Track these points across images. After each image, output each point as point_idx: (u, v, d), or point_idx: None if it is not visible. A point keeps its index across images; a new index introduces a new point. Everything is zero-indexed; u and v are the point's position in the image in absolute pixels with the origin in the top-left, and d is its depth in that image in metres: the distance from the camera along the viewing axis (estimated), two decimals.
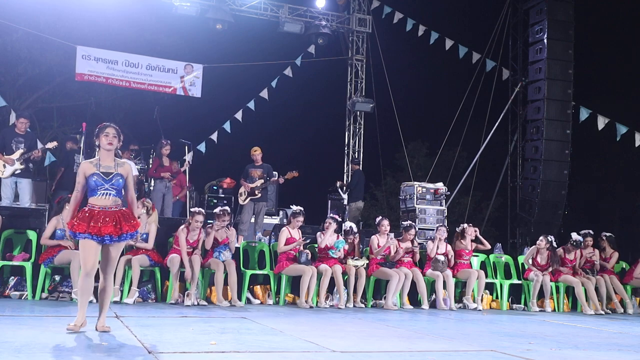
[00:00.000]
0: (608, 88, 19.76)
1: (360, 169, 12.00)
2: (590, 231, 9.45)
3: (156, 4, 13.67)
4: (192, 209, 7.82)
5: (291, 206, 8.35)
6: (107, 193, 4.46)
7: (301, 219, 8.14)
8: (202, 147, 13.48)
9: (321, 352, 4.02)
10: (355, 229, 8.61)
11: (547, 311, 8.84)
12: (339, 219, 8.68)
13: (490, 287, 9.28)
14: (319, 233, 8.34)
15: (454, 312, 8.07)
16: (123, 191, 4.58)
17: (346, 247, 8.35)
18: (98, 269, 4.52)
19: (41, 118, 18.24)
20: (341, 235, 8.45)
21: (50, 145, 8.85)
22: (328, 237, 8.21)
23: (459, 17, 20.80)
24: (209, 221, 7.98)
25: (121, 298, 7.14)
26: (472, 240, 9.00)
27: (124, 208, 4.55)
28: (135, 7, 14.19)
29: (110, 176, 4.51)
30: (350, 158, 14.19)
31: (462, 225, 9.09)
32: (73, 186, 4.78)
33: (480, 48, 13.89)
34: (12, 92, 16.87)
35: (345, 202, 11.44)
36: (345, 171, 14.63)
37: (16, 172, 8.55)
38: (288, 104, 18.65)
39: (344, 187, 11.80)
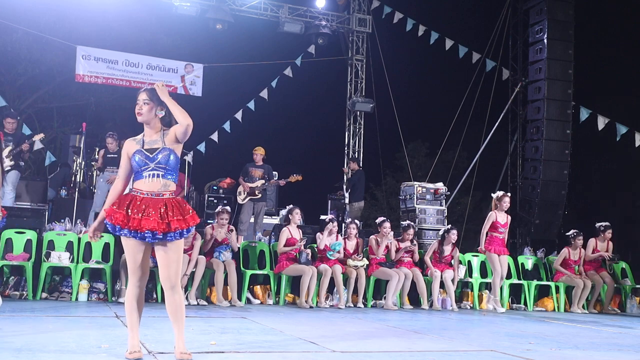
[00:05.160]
0: (608, 88, 19.75)
1: (361, 168, 11.97)
2: (576, 231, 9.38)
3: (156, 4, 13.66)
4: None
5: (287, 206, 8.34)
6: (154, 174, 3.51)
7: (298, 211, 8.13)
8: (202, 147, 13.49)
9: (321, 352, 4.02)
10: (357, 223, 8.62)
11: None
12: (331, 217, 8.65)
13: (490, 287, 9.28)
14: (318, 234, 8.34)
15: (454, 312, 8.08)
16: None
17: (349, 245, 8.36)
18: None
19: (41, 118, 18.27)
20: (340, 235, 8.45)
21: (37, 137, 8.88)
22: (327, 237, 8.21)
23: (459, 17, 20.81)
24: (208, 221, 7.99)
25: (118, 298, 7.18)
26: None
27: (178, 197, 3.61)
28: (135, 7, 14.20)
29: (155, 152, 3.53)
30: (350, 156, 14.16)
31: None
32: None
33: (480, 48, 13.88)
34: (12, 92, 16.89)
35: (347, 201, 11.43)
36: (345, 171, 14.63)
37: (6, 169, 8.57)
38: (288, 104, 18.66)
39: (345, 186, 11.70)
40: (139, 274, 3.56)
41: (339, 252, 8.19)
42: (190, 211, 3.57)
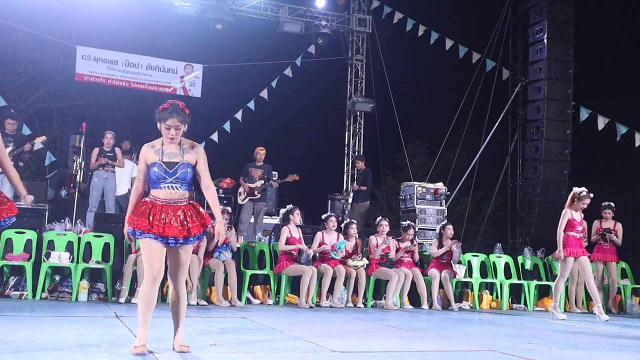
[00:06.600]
0: (608, 88, 19.73)
1: (367, 167, 11.77)
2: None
3: (156, 4, 13.67)
4: None
5: (287, 206, 8.33)
6: (171, 186, 3.73)
7: (298, 211, 8.12)
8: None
9: (321, 352, 4.02)
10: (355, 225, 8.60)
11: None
12: (329, 214, 8.65)
13: (490, 287, 9.30)
14: (318, 233, 8.31)
15: (454, 312, 8.08)
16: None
17: (348, 245, 8.35)
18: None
19: (41, 118, 18.26)
20: (342, 234, 8.43)
21: (39, 139, 8.87)
22: (329, 237, 8.19)
23: (459, 17, 20.77)
24: None
25: (118, 297, 7.19)
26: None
27: (192, 202, 3.83)
28: (135, 7, 14.20)
29: (175, 167, 3.74)
30: (356, 154, 14.16)
31: None
32: None
33: (480, 48, 13.88)
34: (12, 92, 16.88)
35: (350, 200, 11.39)
36: (345, 171, 14.63)
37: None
38: (288, 104, 18.64)
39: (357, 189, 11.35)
40: (156, 273, 3.72)
41: (342, 251, 8.16)
42: (205, 215, 3.83)
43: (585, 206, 7.55)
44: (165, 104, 3.75)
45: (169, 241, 3.67)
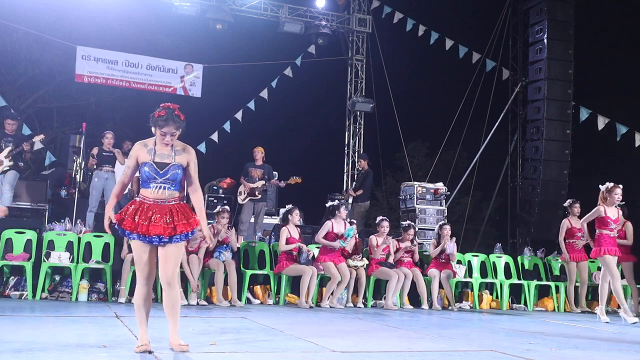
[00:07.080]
0: (608, 88, 19.72)
1: (369, 167, 11.73)
2: (572, 199, 9.22)
3: (156, 4, 13.67)
4: None
5: (286, 206, 8.31)
6: (161, 186, 3.77)
7: (297, 211, 8.11)
8: (202, 147, 13.49)
9: (321, 352, 4.03)
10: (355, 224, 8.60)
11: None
12: (338, 203, 8.62)
13: (490, 287, 9.30)
14: (327, 222, 8.19)
15: (454, 312, 8.08)
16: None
17: (350, 246, 8.34)
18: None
19: (41, 118, 18.28)
20: (349, 223, 8.39)
21: (37, 138, 8.88)
22: (337, 225, 8.14)
23: (459, 17, 20.76)
24: (208, 221, 7.96)
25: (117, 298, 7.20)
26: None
27: (182, 202, 3.85)
28: (135, 7, 14.20)
29: (166, 168, 3.78)
30: (356, 154, 14.18)
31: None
32: None
33: (480, 48, 13.88)
34: (12, 92, 16.89)
35: (350, 200, 11.38)
36: (345, 171, 14.63)
37: (4, 169, 8.55)
38: (288, 104, 18.65)
39: (354, 190, 11.39)
40: (146, 273, 3.82)
41: (351, 238, 8.13)
42: (190, 218, 3.82)
43: (619, 196, 7.15)
44: (161, 110, 3.76)
45: (153, 240, 3.71)
